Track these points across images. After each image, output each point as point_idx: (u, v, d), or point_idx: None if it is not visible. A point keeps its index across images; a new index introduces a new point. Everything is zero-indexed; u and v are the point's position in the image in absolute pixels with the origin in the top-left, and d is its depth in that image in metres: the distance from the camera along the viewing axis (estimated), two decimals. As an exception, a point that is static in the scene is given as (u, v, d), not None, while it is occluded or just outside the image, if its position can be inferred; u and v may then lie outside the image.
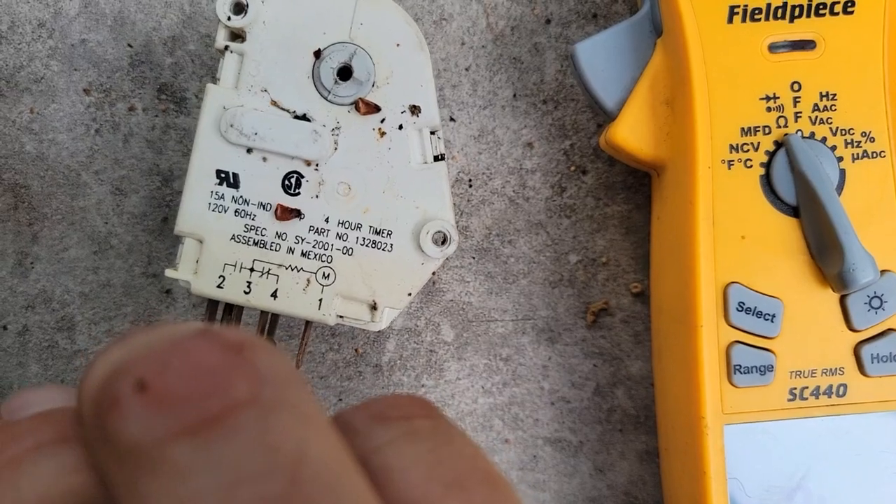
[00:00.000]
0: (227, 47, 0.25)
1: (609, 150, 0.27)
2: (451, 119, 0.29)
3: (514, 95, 0.30)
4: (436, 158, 0.25)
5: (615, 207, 0.30)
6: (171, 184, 0.29)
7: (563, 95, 0.29)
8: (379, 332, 0.30)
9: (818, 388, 0.24)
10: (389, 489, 0.13)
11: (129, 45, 0.29)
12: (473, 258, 0.30)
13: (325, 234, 0.25)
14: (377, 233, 0.25)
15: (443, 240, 0.25)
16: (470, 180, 0.30)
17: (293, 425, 0.11)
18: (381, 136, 0.25)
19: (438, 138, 0.26)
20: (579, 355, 0.30)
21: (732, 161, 0.24)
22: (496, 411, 0.30)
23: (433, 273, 0.26)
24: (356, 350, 0.30)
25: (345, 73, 0.25)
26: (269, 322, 0.27)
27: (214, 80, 0.25)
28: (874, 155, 0.24)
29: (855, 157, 0.24)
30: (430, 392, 0.30)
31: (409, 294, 0.25)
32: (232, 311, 0.27)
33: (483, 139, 0.30)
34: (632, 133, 0.25)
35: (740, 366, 0.24)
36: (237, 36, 0.25)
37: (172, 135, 0.29)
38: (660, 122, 0.25)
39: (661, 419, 0.27)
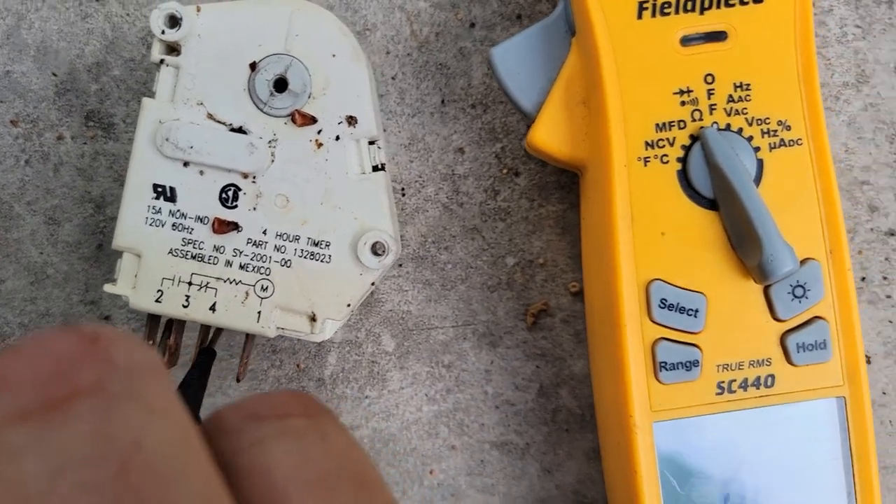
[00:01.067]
0: (162, 61, 0.25)
1: (532, 153, 0.27)
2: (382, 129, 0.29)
3: (443, 101, 0.29)
4: (375, 168, 0.25)
5: (549, 208, 0.30)
6: (103, 210, 0.29)
7: (492, 99, 0.29)
8: (320, 346, 0.30)
9: (746, 380, 0.24)
10: (248, 489, 0.13)
11: (54, 74, 0.29)
12: (411, 266, 0.30)
13: (263, 246, 0.25)
14: (315, 244, 0.25)
15: (381, 250, 0.25)
16: (403, 189, 0.30)
17: (135, 416, 0.11)
18: (319, 148, 0.25)
19: (378, 148, 0.26)
20: (521, 357, 0.30)
21: (648, 158, 0.24)
22: (441, 418, 0.30)
23: (373, 284, 0.25)
24: (298, 365, 0.30)
25: (281, 84, 0.25)
26: (213, 335, 0.27)
27: (151, 94, 0.25)
28: (791, 143, 0.24)
29: (772, 146, 0.24)
30: (375, 403, 0.30)
31: (349, 305, 0.25)
32: (173, 326, 0.27)
33: (413, 147, 0.29)
34: (550, 135, 0.25)
35: (666, 363, 0.24)
36: (173, 49, 0.25)
37: (102, 161, 0.29)
38: (577, 122, 0.25)
39: (598, 418, 0.27)
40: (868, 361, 0.30)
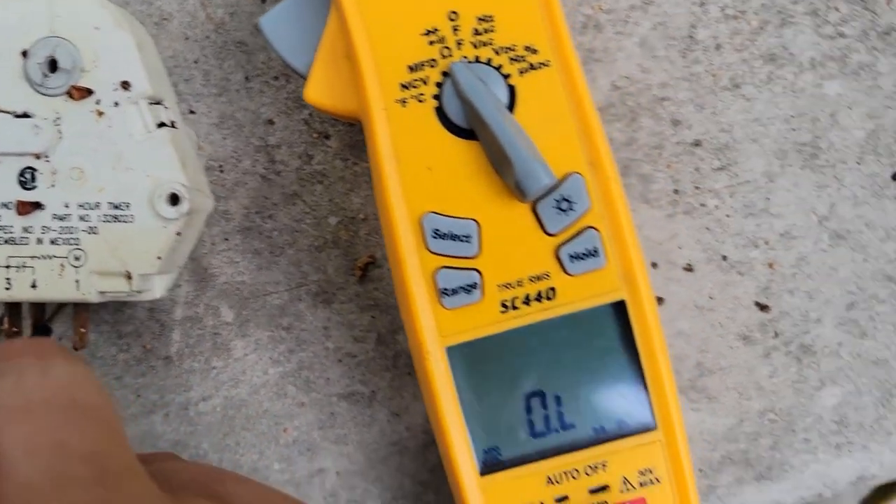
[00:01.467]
0: None
1: (319, 110, 0.28)
2: (191, 112, 0.31)
3: (246, 78, 0.31)
4: (160, 126, 0.27)
5: (363, 164, 0.31)
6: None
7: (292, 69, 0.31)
8: (162, 324, 0.31)
9: (528, 295, 0.25)
10: None
11: None
12: (238, 238, 0.31)
13: (68, 219, 0.27)
14: (116, 207, 0.27)
15: (176, 199, 0.26)
16: (220, 166, 0.31)
17: None
18: (100, 117, 0.27)
19: (165, 107, 0.27)
20: (356, 311, 0.31)
21: (405, 99, 0.25)
22: (288, 378, 0.31)
23: (178, 233, 0.27)
24: (144, 346, 0.31)
25: (53, 65, 0.27)
26: (52, 314, 0.29)
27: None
28: (539, 66, 0.25)
29: (521, 71, 0.25)
30: (222, 372, 0.31)
31: (159, 258, 0.27)
32: (8, 311, 0.28)
33: (224, 125, 0.31)
34: (322, 91, 0.27)
35: (447, 289, 0.25)
36: None
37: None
38: (344, 76, 0.26)
39: (410, 349, 0.28)
40: (690, 269, 0.31)
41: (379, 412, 0.31)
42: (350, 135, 0.31)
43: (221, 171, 0.31)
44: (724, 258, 0.31)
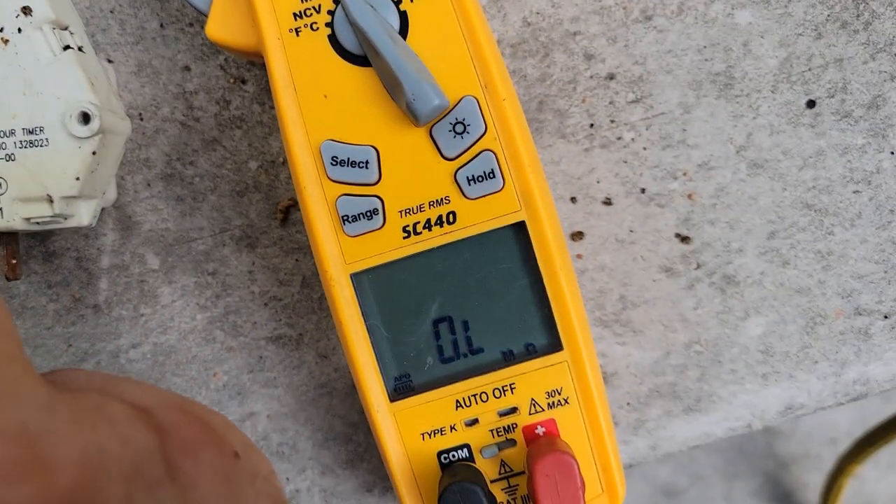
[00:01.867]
0: None
1: (222, 49, 0.28)
2: (109, 61, 0.31)
3: (161, 25, 0.31)
4: (66, 49, 0.27)
5: (280, 109, 0.31)
6: None
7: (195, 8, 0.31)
8: (90, 273, 0.31)
9: (429, 220, 0.26)
10: None
11: None
12: (161, 186, 0.31)
13: None
14: (31, 132, 0.27)
15: (87, 119, 0.27)
16: (140, 114, 0.31)
17: None
18: (6, 45, 0.27)
19: (71, 33, 0.28)
20: (280, 254, 0.31)
21: (299, 28, 0.26)
22: (215, 323, 0.32)
23: (94, 153, 0.27)
24: (73, 296, 0.32)
25: None
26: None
27: None
28: (431, -8, 0.25)
29: (413, -2, 0.25)
30: (150, 319, 0.32)
31: (77, 178, 0.27)
32: None
33: (142, 73, 0.31)
34: (223, 27, 0.27)
35: (348, 215, 0.25)
36: None
37: None
38: (243, 10, 0.27)
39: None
40: (609, 203, 0.31)
41: (307, 354, 0.32)
42: (266, 79, 0.31)
43: (141, 119, 0.31)
44: (643, 191, 0.31)
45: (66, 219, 0.28)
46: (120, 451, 0.16)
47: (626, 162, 0.31)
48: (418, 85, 0.24)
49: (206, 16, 0.27)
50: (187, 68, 0.31)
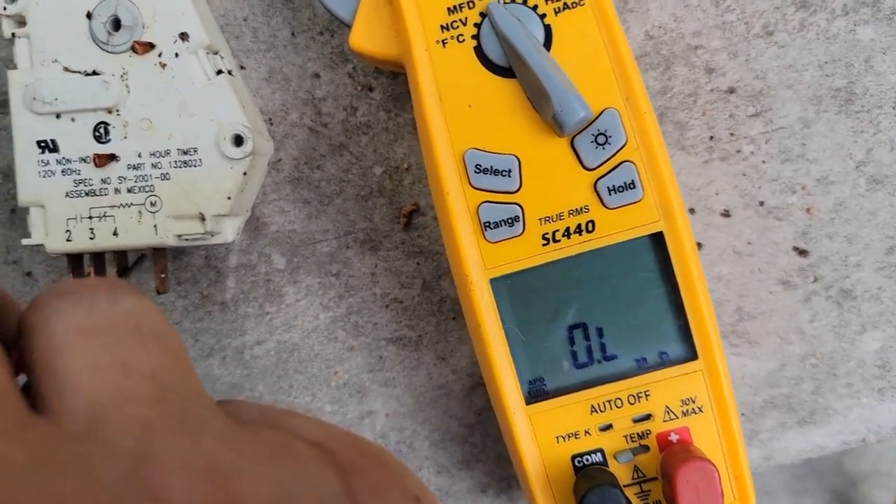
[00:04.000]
0: (14, 34, 0.28)
1: (361, 59, 0.29)
2: (242, 67, 0.32)
3: (293, 34, 0.32)
4: (218, 73, 0.28)
5: (406, 115, 0.32)
6: (11, 178, 0.33)
7: (336, 24, 0.32)
8: (218, 272, 0.33)
9: (568, 228, 0.26)
10: (34, 344, 0.15)
11: (-49, 65, 0.33)
12: (289, 188, 0.32)
13: (141, 167, 0.29)
14: (185, 153, 0.28)
15: (240, 140, 0.28)
16: (270, 119, 0.32)
17: None
18: (164, 68, 0.28)
19: (221, 57, 0.29)
20: (402, 257, 0.32)
21: (446, 39, 0.26)
22: (337, 323, 0.33)
23: (244, 173, 0.28)
24: (201, 293, 0.33)
25: (117, 24, 0.28)
26: (132, 265, 0.31)
27: (14, 66, 0.29)
28: (573, 5, 0.26)
29: (557, 10, 0.26)
30: (275, 317, 0.33)
31: (229, 197, 0.28)
32: (93, 261, 0.30)
33: (273, 79, 0.32)
34: (366, 38, 0.28)
35: (489, 222, 0.26)
36: (20, 22, 0.29)
37: (3, 135, 0.33)
38: (387, 22, 0.28)
39: (456, 286, 0.29)
40: (727, 215, 0.32)
41: (426, 356, 0.32)
42: (393, 87, 0.32)
43: (271, 124, 0.32)
44: (762, 204, 0.32)
45: (213, 235, 0.29)
46: (308, 492, 0.16)
47: (745, 175, 0.32)
48: (565, 97, 0.25)
49: (348, 27, 0.28)
50: (317, 75, 0.32)
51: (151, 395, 0.15)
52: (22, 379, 0.16)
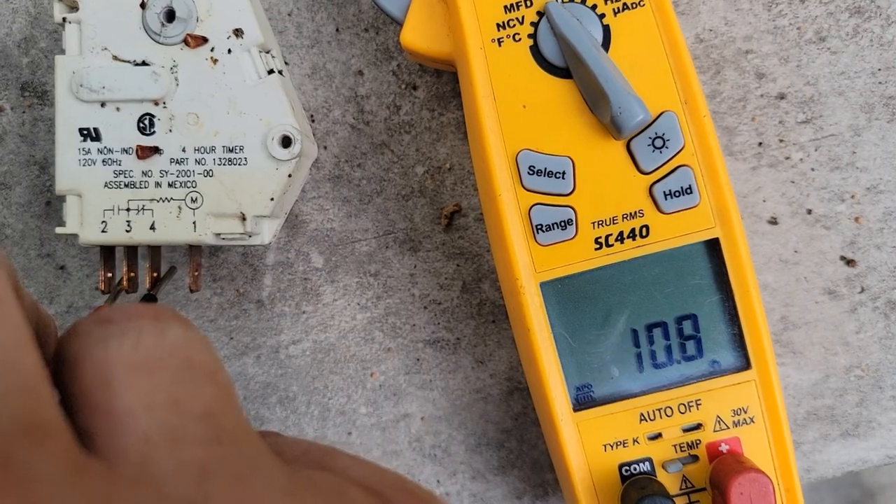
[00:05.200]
0: (64, 19, 0.28)
1: (411, 57, 0.29)
2: (285, 63, 0.32)
3: (337, 30, 0.32)
4: (270, 72, 0.28)
5: (449, 115, 0.32)
6: (47, 171, 0.32)
7: (382, 21, 0.32)
8: (255, 269, 0.32)
9: (622, 233, 0.26)
10: (81, 376, 0.15)
11: (-11, 54, 0.32)
12: (329, 186, 0.32)
13: (184, 162, 0.28)
14: (230, 150, 0.28)
15: (289, 142, 0.28)
16: (311, 115, 0.32)
17: None
18: (215, 64, 0.28)
19: (273, 57, 0.28)
20: (442, 259, 0.32)
21: (501, 38, 0.26)
22: (375, 324, 0.32)
23: (289, 175, 0.28)
24: (237, 290, 0.32)
25: (170, 15, 0.28)
26: (165, 276, 0.30)
27: (61, 52, 0.28)
28: (633, 6, 0.26)
29: (616, 11, 0.26)
30: (312, 317, 0.32)
31: (272, 199, 0.28)
32: (126, 255, 0.30)
33: (316, 75, 0.32)
34: (418, 35, 0.27)
35: (542, 225, 0.26)
36: (72, 7, 0.28)
37: (41, 126, 0.32)
38: (440, 19, 0.27)
39: (503, 292, 0.29)
40: (775, 223, 0.31)
41: (463, 359, 0.32)
42: (437, 86, 0.32)
43: (313, 121, 0.32)
44: (809, 212, 0.31)
45: (250, 237, 0.28)
46: None
47: (793, 182, 0.31)
48: (625, 98, 0.24)
49: (400, 24, 0.28)
50: (360, 72, 0.32)
51: (205, 435, 0.15)
52: None
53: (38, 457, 0.12)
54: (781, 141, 0.31)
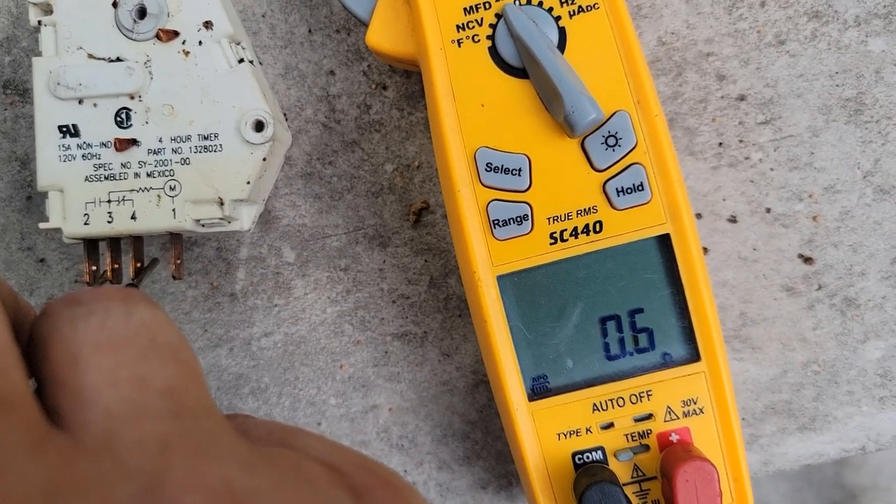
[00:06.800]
0: (39, 22, 0.29)
1: (377, 57, 0.30)
2: (259, 62, 0.33)
3: (310, 31, 0.33)
4: (241, 62, 0.29)
5: (418, 115, 0.33)
6: (28, 166, 0.33)
7: (353, 22, 0.32)
8: (228, 263, 0.33)
9: (576, 228, 0.27)
10: (48, 355, 0.15)
11: (-28, 52, 0.33)
12: (301, 183, 0.33)
13: (161, 152, 0.29)
14: (206, 138, 0.29)
15: (261, 126, 0.28)
16: (285, 114, 0.33)
17: None
18: (187, 56, 0.29)
19: (243, 48, 0.29)
20: (410, 254, 0.33)
21: (461, 39, 0.27)
22: (344, 317, 0.33)
23: (264, 159, 0.29)
24: (211, 284, 0.33)
25: (142, 12, 0.29)
26: (147, 266, 0.31)
27: (38, 54, 0.29)
28: (588, 9, 0.26)
29: (571, 13, 0.27)
30: (283, 310, 0.33)
31: (248, 182, 0.29)
32: (110, 247, 0.30)
33: (289, 75, 0.33)
34: (383, 36, 0.28)
35: (498, 220, 0.26)
36: (47, 11, 0.29)
37: (22, 123, 0.33)
38: (403, 21, 0.28)
39: (463, 283, 0.30)
40: (734, 220, 0.32)
41: (430, 352, 0.33)
42: (406, 86, 0.32)
43: (286, 119, 0.33)
44: (768, 210, 0.32)
45: (230, 222, 0.29)
46: None
47: (752, 182, 0.32)
48: (577, 98, 0.25)
49: (365, 25, 0.29)
50: (332, 73, 0.33)
51: (167, 410, 0.15)
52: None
53: (1, 427, 0.13)
54: (741, 141, 0.32)
